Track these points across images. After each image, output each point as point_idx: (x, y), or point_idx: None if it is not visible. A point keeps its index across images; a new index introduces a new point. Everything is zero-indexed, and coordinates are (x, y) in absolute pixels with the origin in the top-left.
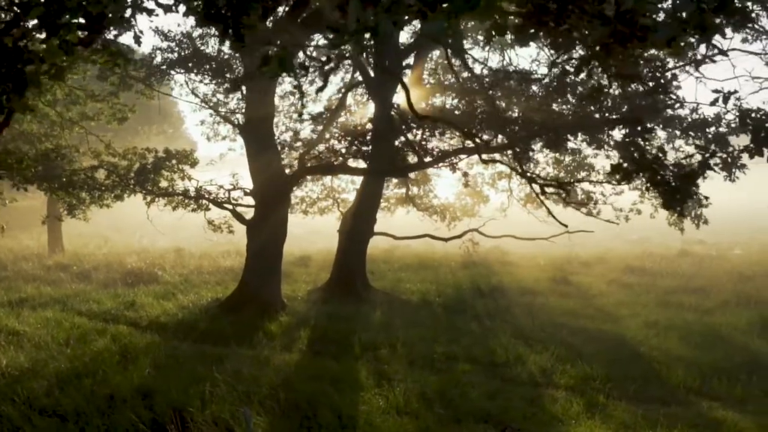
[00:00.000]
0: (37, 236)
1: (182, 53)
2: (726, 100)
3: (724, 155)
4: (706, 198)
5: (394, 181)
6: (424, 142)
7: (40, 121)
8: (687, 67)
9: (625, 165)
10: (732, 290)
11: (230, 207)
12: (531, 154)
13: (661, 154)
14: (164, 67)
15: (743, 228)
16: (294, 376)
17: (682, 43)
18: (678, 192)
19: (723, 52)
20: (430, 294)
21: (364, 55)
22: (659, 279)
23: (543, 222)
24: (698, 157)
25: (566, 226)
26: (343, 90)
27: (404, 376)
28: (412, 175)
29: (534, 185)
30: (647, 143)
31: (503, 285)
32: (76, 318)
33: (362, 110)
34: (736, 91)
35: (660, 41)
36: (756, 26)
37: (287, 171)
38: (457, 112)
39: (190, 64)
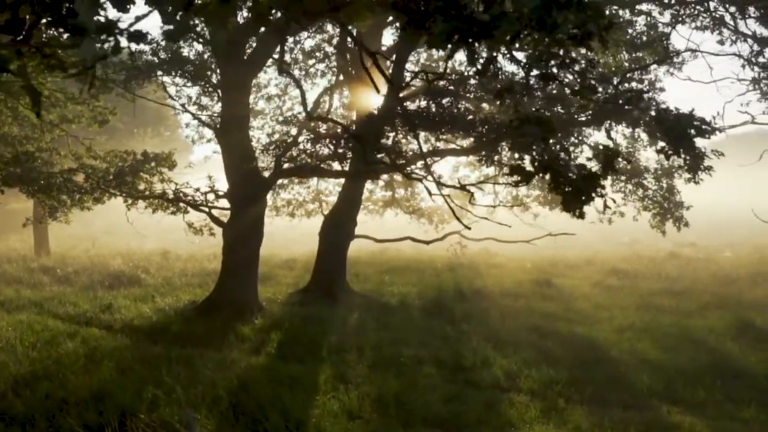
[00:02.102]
0: (27, 238)
1: (162, 56)
2: (638, 99)
3: (688, 157)
4: (614, 201)
5: (381, 183)
6: (397, 144)
7: (21, 124)
8: (670, 69)
9: (525, 166)
10: (714, 293)
11: (206, 209)
12: (498, 156)
13: (564, 155)
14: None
15: (739, 230)
16: (253, 379)
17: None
18: (581, 194)
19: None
20: (410, 296)
21: (348, 56)
22: (643, 281)
23: (528, 225)
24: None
25: (469, 228)
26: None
27: (365, 379)
28: (398, 177)
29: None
30: (552, 144)
31: (486, 287)
32: (50, 321)
33: (345, 112)
34: (647, 91)
35: (502, 38)
36: (728, 27)
37: (265, 173)
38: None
39: (167, 67)
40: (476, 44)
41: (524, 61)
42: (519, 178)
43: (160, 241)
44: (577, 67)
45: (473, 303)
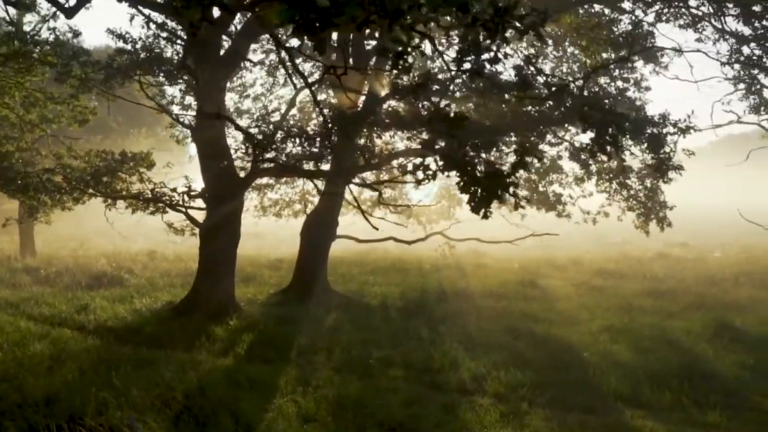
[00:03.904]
0: (16, 239)
1: (141, 56)
2: (561, 93)
3: (659, 157)
4: (528, 200)
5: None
6: (371, 144)
7: (0, 124)
8: (656, 68)
9: (429, 163)
10: (698, 293)
11: (183, 209)
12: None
13: (473, 152)
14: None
15: (732, 229)
16: (213, 381)
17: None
18: (489, 193)
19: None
20: (392, 297)
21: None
22: (629, 282)
23: (514, 225)
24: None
25: (377, 228)
26: (315, 88)
27: (327, 381)
28: (387, 177)
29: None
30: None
31: (469, 288)
32: (23, 322)
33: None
34: (568, 86)
35: (350, 24)
36: (714, 26)
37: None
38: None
39: (147, 67)
40: (321, 32)
41: (452, 56)
42: (422, 176)
43: (148, 242)
44: (511, 62)
45: (454, 304)
